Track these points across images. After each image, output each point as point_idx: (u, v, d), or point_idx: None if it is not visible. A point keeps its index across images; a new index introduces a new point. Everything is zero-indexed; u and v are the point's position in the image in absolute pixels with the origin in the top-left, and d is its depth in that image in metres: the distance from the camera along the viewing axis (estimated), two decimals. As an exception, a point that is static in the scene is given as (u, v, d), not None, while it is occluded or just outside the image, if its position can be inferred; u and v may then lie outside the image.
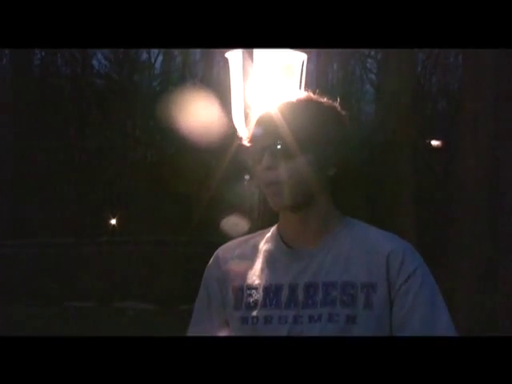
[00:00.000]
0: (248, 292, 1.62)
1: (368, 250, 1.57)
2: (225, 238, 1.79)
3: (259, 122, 1.61)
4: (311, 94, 1.65)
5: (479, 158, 5.96)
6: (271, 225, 1.73)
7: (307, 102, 1.61)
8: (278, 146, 1.56)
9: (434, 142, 12.41)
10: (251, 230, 1.75)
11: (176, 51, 19.00)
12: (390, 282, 1.53)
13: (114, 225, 15.52)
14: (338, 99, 1.66)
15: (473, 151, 6.00)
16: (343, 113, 1.64)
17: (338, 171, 1.60)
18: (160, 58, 19.03)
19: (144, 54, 19.15)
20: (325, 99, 1.64)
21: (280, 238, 1.65)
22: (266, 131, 1.58)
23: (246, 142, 1.64)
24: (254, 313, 1.59)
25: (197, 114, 9.76)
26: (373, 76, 17.82)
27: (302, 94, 1.66)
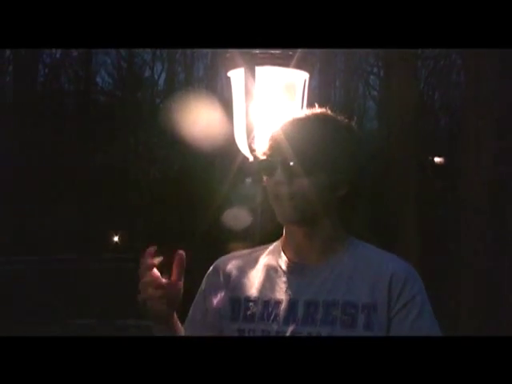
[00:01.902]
0: (246, 304, 1.61)
1: (371, 271, 1.55)
2: (229, 253, 1.78)
3: (274, 136, 1.59)
4: (328, 111, 1.61)
5: (481, 174, 5.95)
6: (275, 240, 1.73)
7: (325, 120, 1.58)
8: (292, 162, 1.53)
9: (436, 159, 12.41)
10: (255, 245, 1.75)
11: (179, 68, 19.09)
12: (389, 305, 1.52)
13: (116, 241, 15.52)
14: (355, 118, 1.64)
15: (475, 168, 5.99)
16: (359, 132, 1.62)
17: (348, 192, 1.58)
18: (163, 75, 19.15)
19: (147, 71, 19.27)
20: (342, 117, 1.61)
21: (283, 252, 1.64)
22: (281, 145, 1.55)
23: (259, 155, 1.61)
24: (252, 326, 1.58)
25: (199, 130, 9.77)
26: (375, 93, 17.88)
27: (319, 110, 1.62)
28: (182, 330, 1.63)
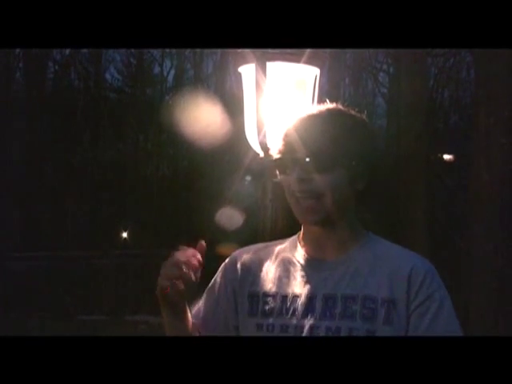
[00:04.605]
0: (264, 299, 1.60)
1: (390, 267, 1.55)
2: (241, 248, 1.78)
3: (289, 133, 1.58)
4: (341, 106, 1.61)
5: (492, 172, 5.93)
6: (286, 237, 1.72)
7: (338, 114, 1.58)
8: (309, 159, 1.52)
9: (447, 157, 12.37)
10: (266, 242, 1.74)
11: (188, 65, 19.09)
12: (408, 300, 1.51)
13: (126, 238, 15.55)
14: (366, 112, 1.64)
15: (486, 165, 5.97)
16: (372, 126, 1.63)
17: (366, 185, 1.58)
18: (172, 71, 19.14)
19: (156, 68, 19.27)
20: (355, 112, 1.61)
21: (300, 246, 1.64)
22: (297, 142, 1.54)
23: (273, 153, 1.60)
24: (270, 320, 1.57)
25: (209, 127, 9.78)
26: (385, 90, 17.82)
27: (332, 105, 1.62)
28: (190, 323, 1.62)
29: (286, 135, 1.58)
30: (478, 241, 5.90)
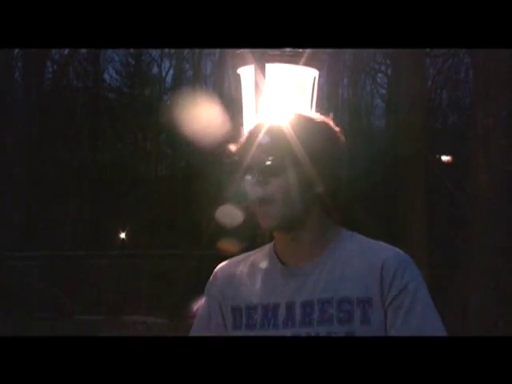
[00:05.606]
0: (247, 312, 1.60)
1: (362, 264, 1.53)
2: (236, 251, 1.78)
3: (247, 138, 1.59)
4: (302, 110, 1.63)
5: (491, 173, 5.94)
6: None
7: (296, 118, 1.58)
8: (265, 163, 1.53)
9: (445, 157, 12.38)
10: (263, 243, 1.74)
11: (187, 65, 19.11)
12: (382, 297, 1.50)
13: (124, 238, 15.55)
14: (331, 114, 1.63)
15: (484, 166, 5.99)
16: (335, 128, 1.58)
17: (329, 187, 1.56)
18: (171, 72, 19.16)
19: (155, 68, 19.30)
20: (316, 115, 1.61)
21: (276, 255, 1.63)
22: (254, 147, 1.55)
23: (234, 158, 1.61)
24: (254, 333, 1.57)
25: (207, 127, 9.78)
26: (383, 91, 17.85)
27: (293, 109, 1.63)
28: None
29: (243, 140, 1.60)
30: (478, 241, 5.91)
